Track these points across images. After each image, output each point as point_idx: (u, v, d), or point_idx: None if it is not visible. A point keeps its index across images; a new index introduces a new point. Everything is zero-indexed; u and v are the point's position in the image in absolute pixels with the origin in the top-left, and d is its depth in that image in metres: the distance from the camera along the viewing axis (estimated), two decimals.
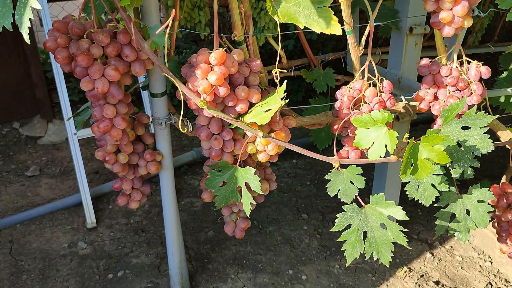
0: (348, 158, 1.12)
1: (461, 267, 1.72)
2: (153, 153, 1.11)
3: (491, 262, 1.74)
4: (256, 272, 1.69)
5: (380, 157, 0.92)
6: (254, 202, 1.02)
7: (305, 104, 2.50)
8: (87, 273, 1.67)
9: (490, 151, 1.01)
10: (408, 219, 0.96)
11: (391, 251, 0.97)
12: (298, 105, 1.64)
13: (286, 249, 1.81)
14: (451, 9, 0.99)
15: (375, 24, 1.35)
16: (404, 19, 1.40)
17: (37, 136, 2.64)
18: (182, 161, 2.34)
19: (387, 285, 1.64)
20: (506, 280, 1.66)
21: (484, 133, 1.00)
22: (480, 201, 1.11)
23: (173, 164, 2.31)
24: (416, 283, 1.64)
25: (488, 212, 1.13)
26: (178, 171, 2.33)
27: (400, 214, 0.94)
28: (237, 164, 1.02)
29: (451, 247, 1.83)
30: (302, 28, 0.86)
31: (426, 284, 1.64)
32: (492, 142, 1.01)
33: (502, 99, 1.52)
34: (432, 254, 1.78)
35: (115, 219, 1.98)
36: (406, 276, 1.67)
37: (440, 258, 1.77)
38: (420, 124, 2.83)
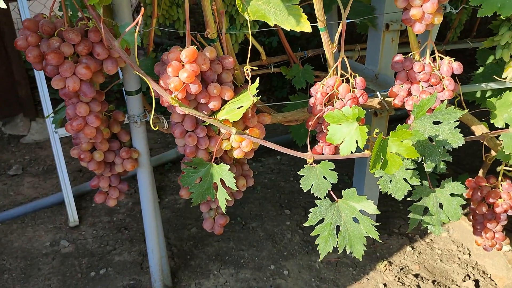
0: (323, 154, 1.13)
1: (440, 260, 1.75)
2: (129, 150, 1.11)
3: (470, 255, 1.77)
4: (239, 268, 1.70)
5: (352, 152, 0.93)
6: (229, 198, 1.03)
7: (290, 100, 2.51)
8: (69, 271, 1.67)
9: (461, 145, 1.02)
10: (379, 212, 0.98)
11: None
12: (284, 101, 1.66)
13: (268, 245, 1.82)
14: (421, 6, 1.00)
15: (351, 20, 1.37)
16: (381, 16, 1.41)
17: (20, 134, 2.62)
18: (166, 158, 2.34)
19: (367, 278, 1.66)
20: (483, 272, 1.69)
21: (455, 127, 1.02)
22: (452, 195, 1.13)
23: (157, 162, 2.31)
24: (395, 276, 1.66)
25: (460, 206, 1.15)
26: (162, 169, 2.33)
27: (371, 208, 0.96)
28: (212, 161, 1.03)
29: (431, 240, 1.86)
30: (272, 25, 0.87)
31: (406, 277, 1.66)
32: (464, 137, 1.03)
33: (478, 94, 1.54)
34: (412, 248, 1.81)
35: (98, 217, 1.97)
36: (386, 269, 1.70)
37: (420, 252, 1.80)
38: (404, 119, 2.86)
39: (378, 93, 1.29)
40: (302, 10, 0.85)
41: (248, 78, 0.92)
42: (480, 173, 1.59)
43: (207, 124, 1.01)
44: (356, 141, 0.92)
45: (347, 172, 2.27)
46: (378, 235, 0.97)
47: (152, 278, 1.47)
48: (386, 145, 0.90)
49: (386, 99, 1.28)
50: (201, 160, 1.03)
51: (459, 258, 1.76)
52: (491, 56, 1.58)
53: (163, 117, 1.10)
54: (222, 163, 1.02)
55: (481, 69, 1.56)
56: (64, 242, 1.82)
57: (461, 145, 1.02)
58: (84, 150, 1.05)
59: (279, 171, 2.33)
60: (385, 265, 1.71)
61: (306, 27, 0.87)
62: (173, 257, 1.74)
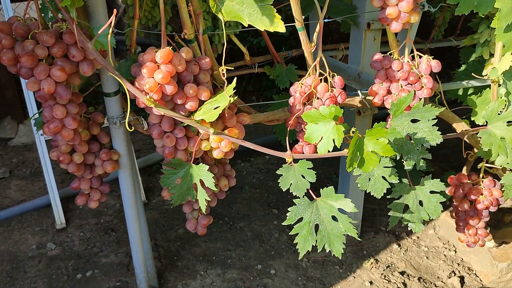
0: (303, 153, 1.13)
1: (427, 257, 1.76)
2: (109, 152, 1.11)
3: (455, 251, 1.78)
4: (225, 268, 1.70)
5: (329, 151, 0.94)
6: (209, 199, 1.03)
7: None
8: (55, 274, 1.67)
9: (439, 142, 1.03)
10: (357, 211, 0.98)
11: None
12: (273, 101, 1.67)
13: (255, 244, 1.82)
14: (396, 4, 1.01)
15: (332, 20, 1.37)
16: (362, 15, 1.42)
17: (7, 137, 2.61)
18: (154, 159, 2.33)
19: (353, 276, 1.66)
20: (469, 268, 1.70)
21: (433, 125, 1.03)
22: (432, 192, 1.14)
23: (145, 163, 2.30)
24: (382, 274, 1.67)
25: (441, 203, 1.15)
26: (150, 170, 2.33)
27: (349, 206, 0.96)
28: (191, 162, 1.03)
29: (418, 237, 1.87)
30: (247, 25, 0.87)
31: (392, 274, 1.67)
32: (442, 134, 1.03)
33: (460, 92, 1.55)
34: (399, 245, 1.82)
35: (85, 219, 1.97)
36: (372, 267, 1.70)
37: (407, 249, 1.80)
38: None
39: (359, 91, 1.29)
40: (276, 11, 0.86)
41: (224, 79, 0.92)
42: (464, 170, 1.60)
43: (185, 125, 1.01)
44: (333, 140, 0.92)
45: (335, 171, 2.28)
46: (358, 233, 0.97)
47: (137, 280, 1.47)
48: (363, 143, 0.91)
49: (367, 97, 1.29)
50: (180, 161, 1.03)
51: (445, 255, 1.77)
52: (474, 54, 1.59)
53: (142, 118, 1.10)
54: (201, 163, 1.02)
55: (463, 67, 1.57)
56: (51, 244, 1.81)
57: (439, 142, 1.03)
58: (63, 152, 1.04)
59: (268, 171, 2.33)
60: (372, 263, 1.72)
61: (280, 27, 0.88)
62: (160, 258, 1.74)
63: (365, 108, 1.52)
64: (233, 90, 0.94)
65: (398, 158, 1.05)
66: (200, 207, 1.24)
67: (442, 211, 1.14)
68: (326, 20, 1.12)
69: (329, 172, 2.30)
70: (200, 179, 1.02)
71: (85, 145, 1.06)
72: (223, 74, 0.92)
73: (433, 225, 1.91)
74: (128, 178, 1.21)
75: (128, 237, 1.84)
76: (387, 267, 1.71)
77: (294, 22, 1.02)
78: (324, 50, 1.74)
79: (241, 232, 1.89)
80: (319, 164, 2.37)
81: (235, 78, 0.96)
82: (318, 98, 1.08)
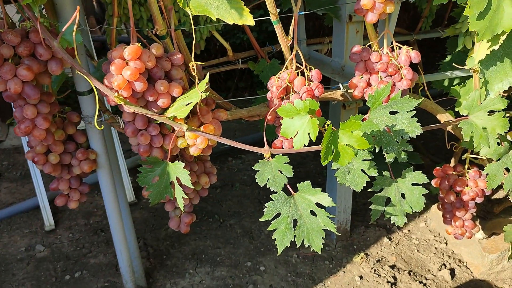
0: (282, 148, 1.12)
1: (417, 250, 1.75)
2: (86, 152, 1.10)
3: (446, 244, 1.77)
4: (215, 265, 1.69)
5: (305, 145, 0.93)
6: (186, 197, 1.02)
7: None
8: (44, 275, 1.66)
9: (419, 134, 1.01)
10: (335, 205, 0.97)
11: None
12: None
13: (245, 241, 1.81)
14: None
15: (310, 12, 1.36)
16: (343, 7, 1.40)
17: None
18: None
19: (343, 271, 1.65)
20: (459, 260, 1.68)
21: (412, 116, 1.01)
22: (414, 184, 1.12)
23: (134, 163, 2.28)
24: (372, 268, 1.66)
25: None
26: None
27: (326, 200, 0.95)
28: (168, 159, 1.02)
29: (409, 231, 1.85)
30: (215, 19, 0.86)
31: (382, 268, 1.66)
32: (422, 126, 1.02)
33: (446, 83, 1.53)
34: (390, 239, 1.81)
35: (74, 220, 1.96)
36: (362, 261, 1.69)
37: (397, 242, 1.79)
38: None
39: (340, 85, 1.28)
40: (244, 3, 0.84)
41: (195, 74, 0.90)
42: (452, 162, 1.59)
43: (159, 122, 1.00)
44: (309, 133, 0.91)
45: (327, 166, 2.26)
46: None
47: (123, 279, 1.46)
48: (337, 137, 0.89)
49: (349, 90, 1.27)
50: (156, 159, 1.02)
51: (435, 248, 1.75)
52: (460, 44, 1.58)
53: (118, 117, 1.08)
54: (177, 161, 1.01)
55: (448, 58, 1.55)
56: (40, 246, 1.80)
57: (418, 134, 1.01)
58: (38, 153, 1.03)
59: None
60: (362, 258, 1.70)
61: (249, 20, 0.86)
62: (149, 257, 1.73)
63: (350, 102, 1.50)
64: (207, 85, 0.92)
65: (377, 150, 1.04)
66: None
67: (425, 203, 1.12)
68: (301, 13, 1.10)
69: (320, 167, 2.28)
70: (176, 177, 1.00)
71: (60, 145, 1.05)
72: (193, 69, 0.91)
73: (424, 218, 1.90)
74: (107, 177, 1.20)
75: None
76: (377, 261, 1.69)
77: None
78: (309, 44, 1.72)
79: (231, 230, 1.88)
80: (311, 159, 2.36)
81: (208, 74, 0.94)
82: (295, 92, 1.07)
